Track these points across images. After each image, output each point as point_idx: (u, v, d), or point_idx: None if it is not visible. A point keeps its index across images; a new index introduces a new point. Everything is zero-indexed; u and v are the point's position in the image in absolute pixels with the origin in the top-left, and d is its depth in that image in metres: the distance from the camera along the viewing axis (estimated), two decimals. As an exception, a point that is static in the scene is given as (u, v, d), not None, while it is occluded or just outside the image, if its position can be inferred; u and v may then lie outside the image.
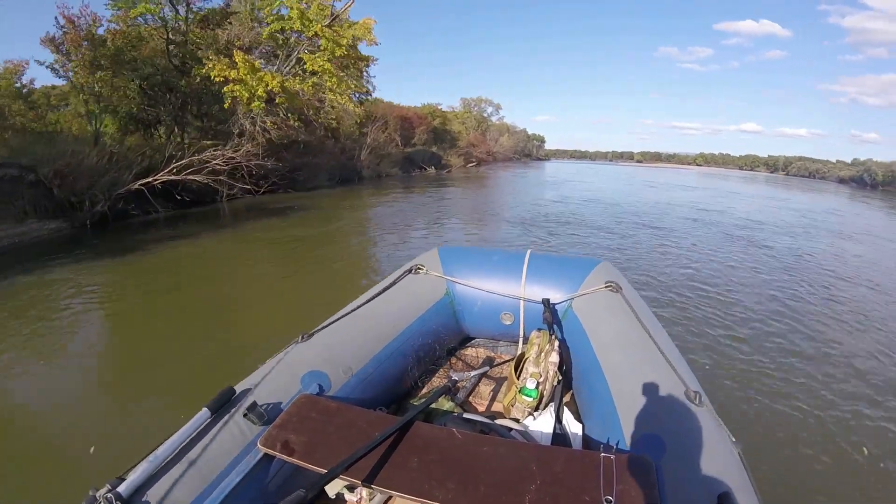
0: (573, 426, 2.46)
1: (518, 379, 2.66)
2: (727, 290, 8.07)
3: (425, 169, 41.00)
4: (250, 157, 16.57)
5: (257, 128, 18.31)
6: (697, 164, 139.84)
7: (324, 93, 19.57)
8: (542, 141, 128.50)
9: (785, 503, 3.42)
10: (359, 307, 2.93)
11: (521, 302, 3.24)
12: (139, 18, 16.81)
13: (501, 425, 2.45)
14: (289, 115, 19.17)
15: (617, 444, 1.97)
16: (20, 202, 10.62)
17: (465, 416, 2.56)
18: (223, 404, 2.03)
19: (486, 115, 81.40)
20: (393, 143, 38.81)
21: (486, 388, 3.10)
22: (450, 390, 2.70)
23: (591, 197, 23.93)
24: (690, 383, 2.12)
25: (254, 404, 2.02)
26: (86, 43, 14.28)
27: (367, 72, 34.70)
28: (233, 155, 15.66)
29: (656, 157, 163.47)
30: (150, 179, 13.33)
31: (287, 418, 2.02)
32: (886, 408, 4.61)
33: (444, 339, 3.35)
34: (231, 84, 15.99)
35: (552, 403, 2.60)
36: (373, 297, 3.06)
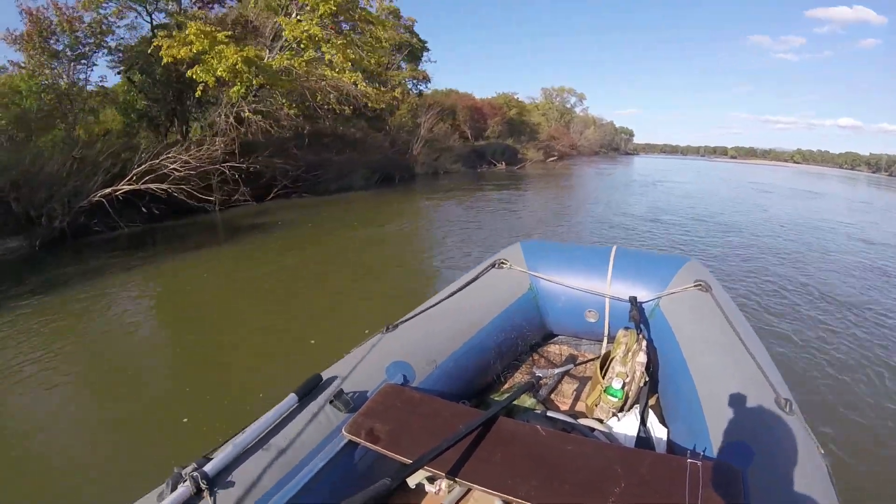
0: (658, 429, 2.46)
1: (603, 378, 2.68)
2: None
3: (494, 164, 38.04)
4: (216, 157, 13.29)
5: (229, 120, 14.72)
6: (795, 162, 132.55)
7: (324, 70, 15.30)
8: (631, 134, 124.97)
9: None
10: (442, 300, 3.00)
11: (607, 299, 3.22)
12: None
13: (584, 425, 2.48)
14: (282, 101, 15.70)
15: (703, 451, 1.95)
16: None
17: (548, 413, 2.59)
18: (310, 391, 2.10)
19: (568, 105, 77.56)
20: (455, 135, 36.06)
21: (568, 387, 3.13)
22: (533, 387, 2.73)
23: (697, 211, 17.52)
24: (781, 390, 2.07)
25: (340, 392, 2.09)
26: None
27: (424, 55, 33.93)
28: (187, 159, 12.37)
29: (751, 153, 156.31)
30: (108, 190, 11.21)
31: (372, 406, 2.08)
32: None
33: (527, 335, 3.37)
34: (196, 66, 12.93)
35: (637, 405, 2.60)
36: (456, 291, 3.12)
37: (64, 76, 13.76)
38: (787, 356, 5.29)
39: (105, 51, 14.73)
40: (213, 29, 12.90)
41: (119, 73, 15.50)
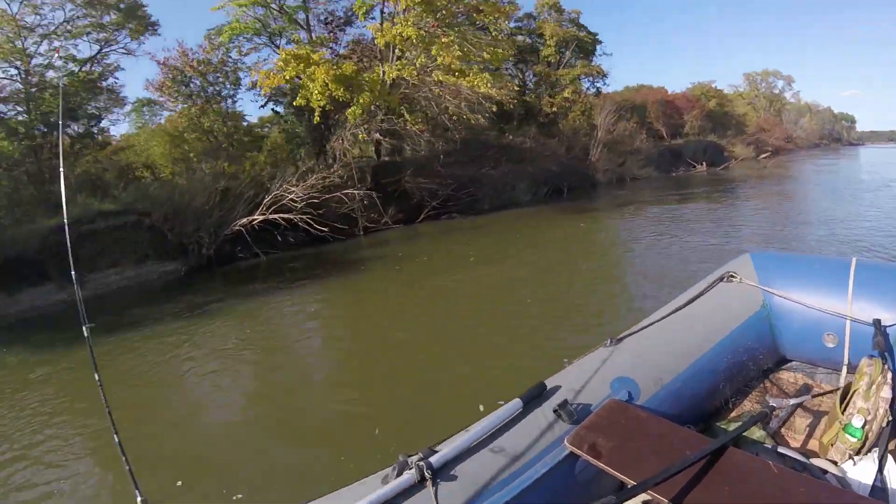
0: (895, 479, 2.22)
1: (843, 414, 2.45)
2: None
3: (693, 167, 33.43)
4: (334, 184, 13.38)
5: (343, 144, 14.57)
6: None
7: (437, 76, 13.84)
8: (853, 121, 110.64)
9: None
10: (668, 315, 2.93)
11: (847, 321, 2.88)
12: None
13: (816, 466, 2.31)
14: (408, 118, 14.37)
15: None
16: (142, 246, 11.97)
17: (779, 449, 2.43)
18: (534, 398, 2.18)
19: (776, 91, 69.92)
20: (642, 135, 32.11)
21: (801, 421, 2.84)
22: (766, 416, 2.60)
23: None
24: None
25: (564, 402, 2.13)
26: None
27: (598, 47, 31.69)
28: (297, 191, 12.77)
29: None
30: (244, 220, 12.53)
31: (596, 420, 2.10)
32: None
33: (759, 358, 3.13)
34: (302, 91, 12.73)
35: (876, 448, 2.35)
36: (683, 306, 3.02)
37: (212, 116, 15.85)
38: None
39: (245, 87, 16.60)
40: (308, 51, 13.09)
41: (262, 106, 17.31)
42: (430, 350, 6.00)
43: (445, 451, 1.80)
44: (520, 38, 28.24)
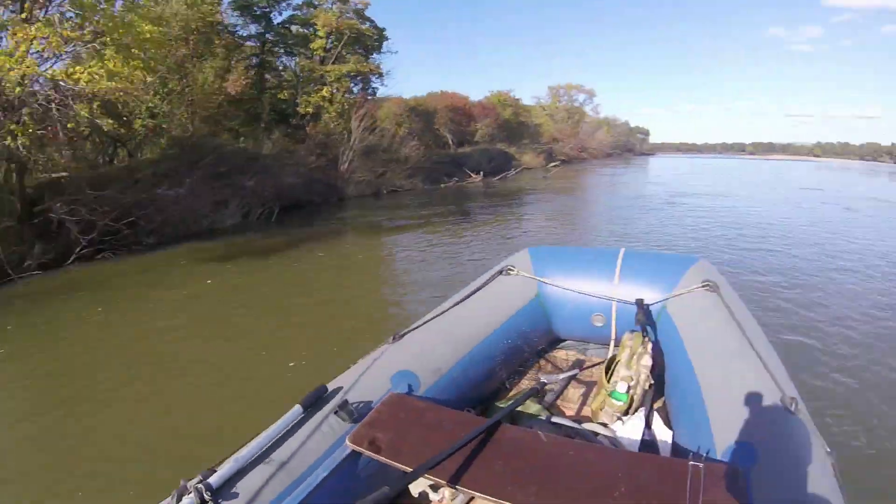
0: (663, 433, 2.56)
1: (608, 382, 2.79)
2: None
3: (469, 176, 30.78)
4: None
5: None
6: (815, 155, 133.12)
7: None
8: (646, 134, 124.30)
9: None
10: (449, 309, 3.10)
11: (614, 303, 3.31)
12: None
13: (589, 430, 2.57)
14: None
15: (707, 453, 2.00)
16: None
17: (553, 419, 2.69)
18: (315, 401, 2.18)
19: (577, 104, 73.40)
20: (413, 141, 28.09)
21: (574, 392, 3.24)
22: (538, 392, 2.76)
23: (750, 242, 12.61)
24: (787, 389, 2.11)
25: (345, 402, 2.15)
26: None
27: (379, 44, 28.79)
28: None
29: (769, 148, 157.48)
30: None
31: (376, 416, 2.15)
32: None
33: (534, 341, 3.48)
34: None
35: (642, 408, 2.70)
36: (463, 299, 3.23)
37: None
38: (798, 355, 5.57)
39: None
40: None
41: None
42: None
43: (225, 469, 1.76)
44: (294, 27, 26.48)
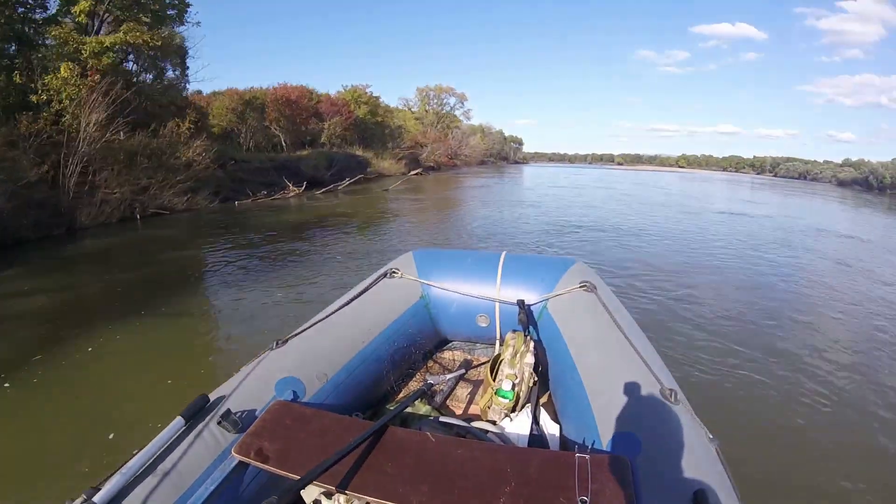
0: (550, 427, 2.68)
1: (494, 381, 2.90)
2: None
3: (283, 189, 23.46)
4: None
5: None
6: (680, 166, 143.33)
7: None
8: (520, 143, 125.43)
9: (767, 497, 3.74)
10: (333, 313, 3.12)
11: (497, 304, 3.49)
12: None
13: (478, 428, 2.64)
14: None
15: (593, 444, 2.12)
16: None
17: (442, 419, 2.76)
18: (197, 412, 2.14)
19: (448, 108, 70.66)
20: (202, 138, 20.05)
21: (463, 391, 3.36)
22: (425, 394, 2.92)
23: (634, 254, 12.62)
24: (666, 381, 2.27)
25: (228, 412, 2.14)
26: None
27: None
28: None
29: (637, 160, 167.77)
30: None
31: (261, 425, 2.13)
32: (867, 401, 5.24)
33: (421, 343, 3.57)
34: None
35: (528, 405, 2.82)
36: (347, 303, 3.27)
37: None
38: (673, 349, 6.13)
39: None
40: None
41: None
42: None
43: (108, 487, 1.71)
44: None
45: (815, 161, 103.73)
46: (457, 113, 71.63)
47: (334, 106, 37.60)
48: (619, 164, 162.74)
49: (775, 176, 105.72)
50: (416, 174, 39.47)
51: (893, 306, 9.10)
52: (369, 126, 43.09)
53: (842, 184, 78.22)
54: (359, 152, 36.45)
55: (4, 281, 8.82)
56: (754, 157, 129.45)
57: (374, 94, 46.01)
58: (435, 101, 69.16)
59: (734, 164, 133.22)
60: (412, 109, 66.60)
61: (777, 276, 10.97)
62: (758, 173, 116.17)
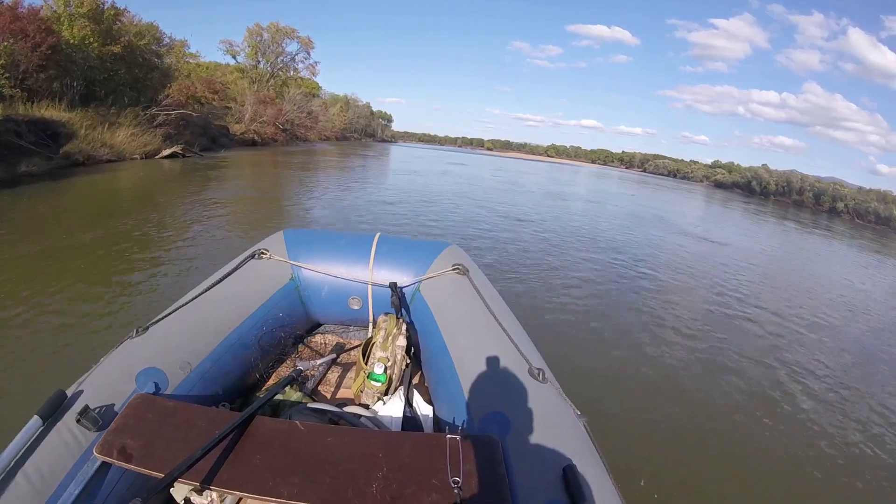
0: (424, 409, 2.84)
1: (366, 364, 3.01)
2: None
3: None
4: None
5: None
6: (549, 156, 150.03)
7: None
8: (389, 120, 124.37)
9: (634, 469, 4.17)
10: (196, 297, 3.04)
11: (370, 286, 3.57)
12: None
13: (351, 413, 2.73)
14: None
15: (463, 425, 2.22)
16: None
17: (314, 406, 2.79)
18: (54, 410, 2.04)
19: (288, 58, 56.72)
20: None
21: (335, 376, 3.41)
22: (294, 380, 2.91)
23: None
24: (534, 361, 2.44)
25: (86, 408, 2.05)
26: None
27: None
28: None
29: (507, 146, 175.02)
30: None
31: (123, 422, 2.07)
32: (719, 373, 6.29)
33: (291, 328, 3.58)
34: None
35: (402, 387, 2.97)
36: (212, 286, 3.18)
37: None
38: (543, 330, 6.71)
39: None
40: None
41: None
42: None
43: None
44: None
45: (683, 160, 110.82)
46: (300, 67, 58.88)
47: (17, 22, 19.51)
48: (489, 149, 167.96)
49: (644, 171, 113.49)
50: (174, 154, 23.79)
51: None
52: (101, 62, 23.72)
53: (720, 186, 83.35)
54: (54, 112, 19.67)
55: None
56: (623, 151, 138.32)
57: (123, 10, 25.73)
58: (270, 48, 54.68)
59: (603, 158, 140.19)
60: (237, 59, 54.18)
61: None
62: (626, 168, 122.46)
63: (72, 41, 22.19)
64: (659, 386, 5.67)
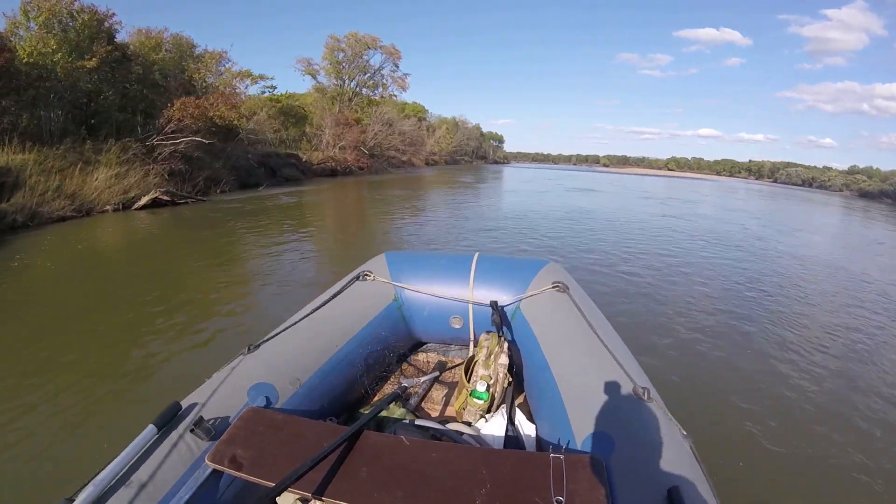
0: (526, 427, 2.89)
1: (468, 382, 3.12)
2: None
3: None
4: None
5: None
6: (669, 169, 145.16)
7: None
8: (500, 141, 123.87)
9: (742, 493, 3.97)
10: (305, 317, 3.29)
11: (470, 305, 3.72)
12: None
13: (454, 430, 2.84)
14: None
15: (567, 444, 2.25)
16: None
17: (417, 422, 2.94)
18: (169, 420, 2.23)
19: (371, 72, 51.28)
20: None
21: (438, 394, 3.59)
22: (399, 397, 3.12)
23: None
24: (639, 380, 2.44)
25: (200, 419, 2.24)
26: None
27: None
28: None
29: (624, 162, 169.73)
30: None
31: (235, 432, 2.24)
32: (841, 400, 5.69)
33: (394, 346, 3.77)
34: None
35: (504, 405, 3.04)
36: (319, 306, 3.43)
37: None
38: (646, 348, 6.50)
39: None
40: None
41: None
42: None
43: (82, 497, 1.79)
44: None
45: (816, 167, 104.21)
46: (388, 83, 53.22)
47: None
48: (605, 165, 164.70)
49: (775, 182, 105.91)
50: (147, 205, 17.02)
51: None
52: (72, 82, 18.66)
53: (865, 195, 73.08)
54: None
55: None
56: (750, 160, 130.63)
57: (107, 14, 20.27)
58: (348, 63, 48.93)
59: (728, 168, 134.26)
60: (317, 78, 49.32)
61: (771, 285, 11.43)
62: (755, 178, 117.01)
63: (27, 59, 17.04)
64: (781, 412, 5.29)
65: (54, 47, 17.52)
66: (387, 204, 23.44)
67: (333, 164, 36.36)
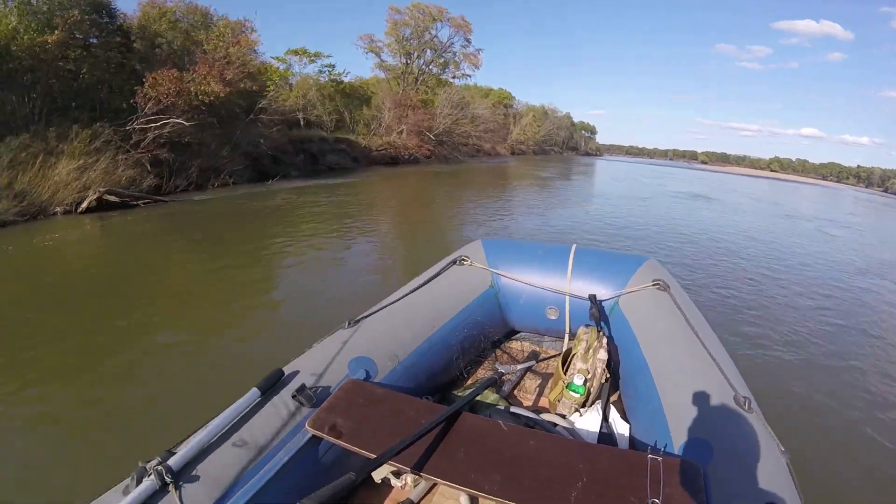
0: (620, 426, 2.90)
1: (565, 374, 3.13)
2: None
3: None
4: None
5: None
6: (772, 170, 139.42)
7: None
8: (593, 132, 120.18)
9: None
10: (403, 297, 3.42)
11: (567, 297, 3.74)
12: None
13: (548, 420, 2.92)
14: None
15: (664, 447, 2.24)
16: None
17: (511, 409, 3.01)
18: (272, 385, 2.37)
19: (436, 49, 46.23)
20: None
21: (531, 383, 3.63)
22: (495, 382, 3.12)
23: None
24: (740, 388, 2.42)
25: (302, 386, 2.37)
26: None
27: None
28: None
29: (723, 159, 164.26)
30: None
31: (335, 402, 2.37)
32: None
33: (489, 332, 3.86)
34: None
35: (599, 401, 3.05)
36: (417, 288, 3.56)
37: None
38: (747, 355, 6.37)
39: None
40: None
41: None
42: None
43: (184, 451, 1.91)
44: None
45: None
46: (460, 61, 48.19)
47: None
48: (704, 162, 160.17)
49: (886, 191, 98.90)
50: (91, 208, 13.25)
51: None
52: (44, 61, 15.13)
53: None
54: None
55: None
56: (859, 166, 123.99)
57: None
58: (414, 38, 44.69)
59: (835, 173, 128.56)
60: (380, 56, 45.57)
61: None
62: (865, 186, 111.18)
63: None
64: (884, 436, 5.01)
65: (15, 22, 14.28)
66: (423, 205, 20.02)
67: (393, 150, 33.74)
